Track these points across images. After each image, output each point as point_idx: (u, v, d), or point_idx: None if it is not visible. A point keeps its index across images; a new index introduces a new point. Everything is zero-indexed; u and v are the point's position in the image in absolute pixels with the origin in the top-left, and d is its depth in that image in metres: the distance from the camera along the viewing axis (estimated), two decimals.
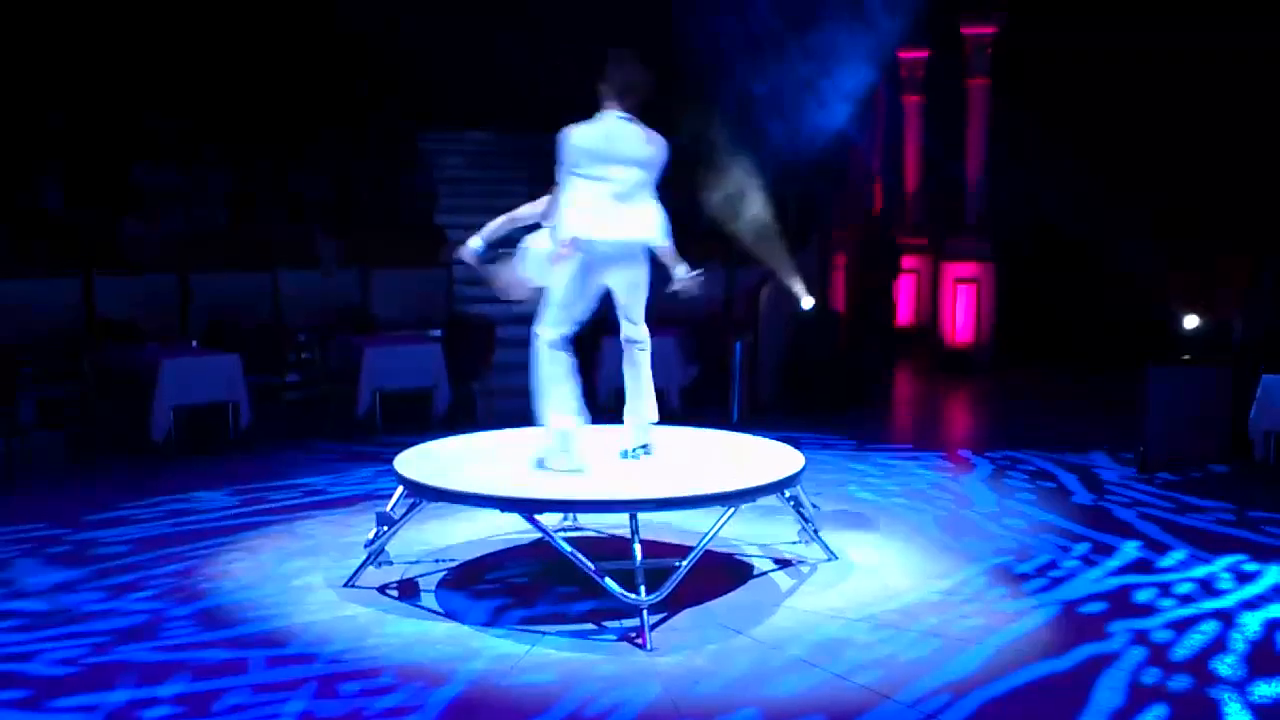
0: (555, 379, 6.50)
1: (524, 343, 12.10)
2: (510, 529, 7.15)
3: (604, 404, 10.95)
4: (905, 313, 15.82)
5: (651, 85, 6.39)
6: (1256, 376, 9.18)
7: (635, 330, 6.68)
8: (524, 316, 12.00)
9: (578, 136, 6.27)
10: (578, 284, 6.43)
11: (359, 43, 14.43)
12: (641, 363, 6.74)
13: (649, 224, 6.40)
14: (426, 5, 14.71)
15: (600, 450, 6.86)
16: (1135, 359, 9.93)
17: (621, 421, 6.95)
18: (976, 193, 14.81)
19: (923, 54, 15.49)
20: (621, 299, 6.61)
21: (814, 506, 7.10)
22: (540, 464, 6.53)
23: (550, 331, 6.50)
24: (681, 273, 6.60)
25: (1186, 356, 10.16)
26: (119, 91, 13.30)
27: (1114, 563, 7.00)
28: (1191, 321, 10.75)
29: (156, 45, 13.50)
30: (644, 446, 6.77)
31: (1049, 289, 14.40)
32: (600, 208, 6.28)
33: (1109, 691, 5.21)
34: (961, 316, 14.75)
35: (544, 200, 6.72)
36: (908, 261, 15.68)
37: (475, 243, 6.92)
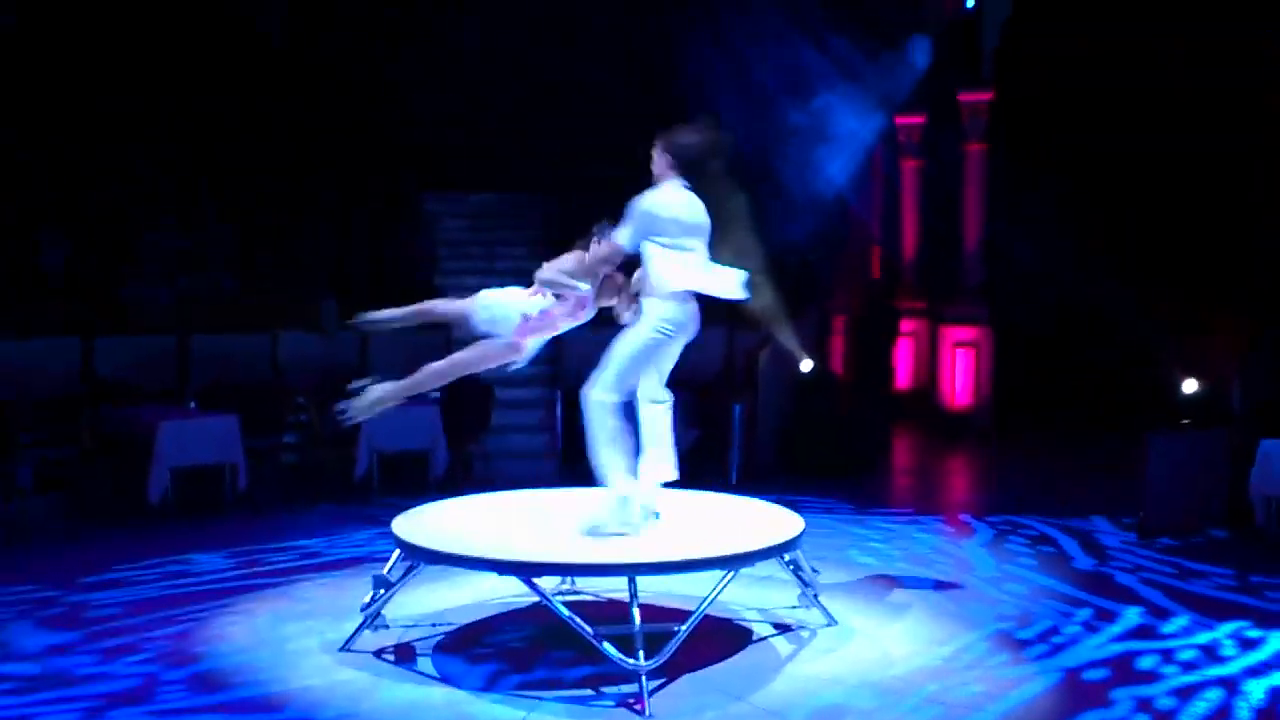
0: (615, 442, 6.45)
1: (521, 405, 12.16)
2: (507, 592, 7.10)
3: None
4: (904, 376, 15.83)
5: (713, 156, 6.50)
6: (1256, 441, 9.17)
7: (661, 391, 6.66)
8: (521, 379, 12.01)
9: (664, 207, 6.33)
10: (657, 351, 6.46)
11: (362, 104, 14.57)
12: (665, 420, 6.70)
13: (735, 282, 6.46)
14: (430, 68, 14.87)
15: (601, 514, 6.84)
16: (1134, 423, 9.92)
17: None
18: (974, 256, 14.88)
19: (920, 119, 15.63)
20: (667, 363, 6.61)
21: (814, 571, 7.06)
22: (594, 530, 6.42)
23: (613, 396, 6.43)
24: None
25: (1186, 421, 10.15)
26: (121, 154, 13.39)
27: (1116, 629, 6.95)
28: (1190, 386, 10.75)
29: (160, 108, 13.62)
30: (647, 514, 6.63)
31: (1047, 353, 14.41)
32: (700, 270, 6.39)
33: None
34: (960, 380, 14.76)
35: (576, 255, 6.62)
36: (906, 325, 15.72)
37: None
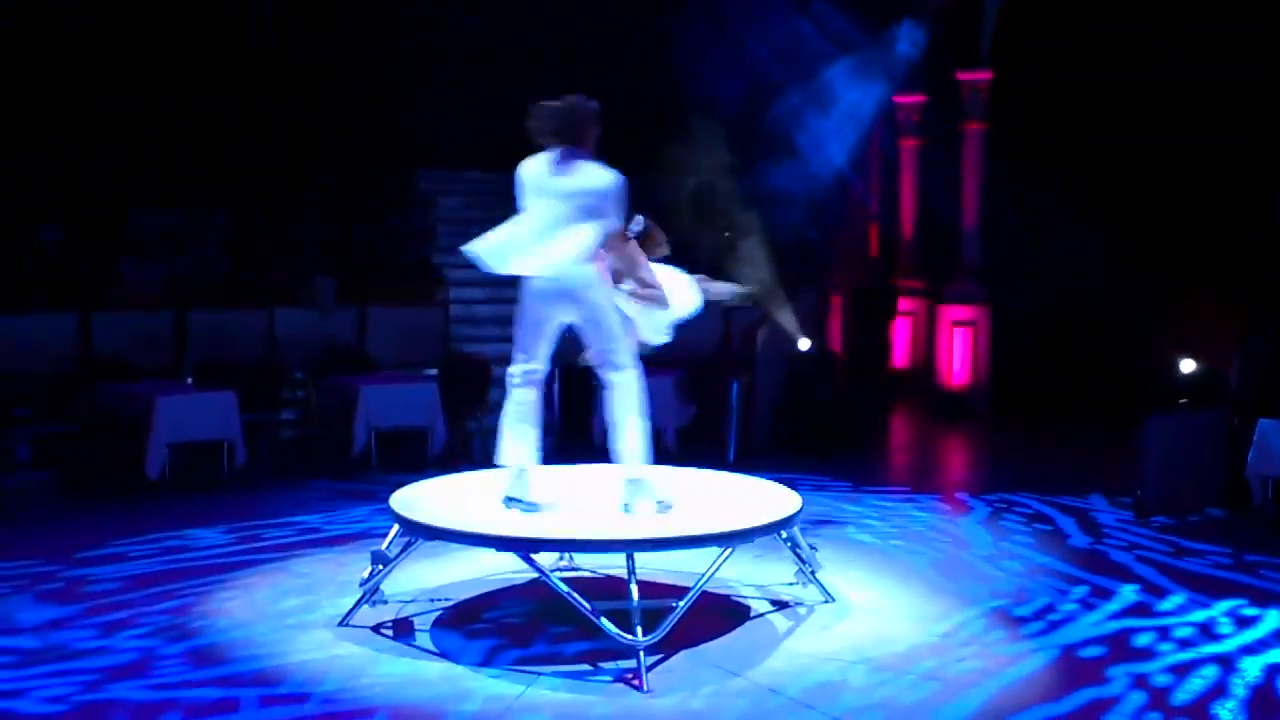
0: (515, 418, 6.47)
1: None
2: (506, 568, 7.10)
3: (599, 444, 10.95)
4: (902, 355, 15.83)
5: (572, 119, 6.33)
6: (1253, 422, 9.18)
7: (607, 373, 6.47)
8: None
9: (522, 168, 6.32)
10: (528, 321, 6.40)
11: (357, 83, 14.52)
12: (611, 403, 6.48)
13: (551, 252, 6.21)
14: (425, 44, 14.82)
15: (596, 490, 6.85)
16: (1132, 403, 9.93)
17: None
18: (973, 236, 14.86)
19: (919, 99, 15.59)
20: (588, 338, 6.48)
21: (811, 548, 7.07)
22: (510, 501, 6.45)
23: (514, 368, 6.50)
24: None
25: (1183, 401, 10.16)
26: (119, 134, 13.35)
27: (1112, 606, 6.97)
28: (1188, 366, 10.75)
29: (158, 91, 13.58)
30: (660, 503, 6.46)
31: (1046, 332, 14.41)
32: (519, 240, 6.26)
33: None
34: (958, 359, 14.75)
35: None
36: (904, 304, 15.71)
37: None
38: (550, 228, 6.18)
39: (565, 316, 6.40)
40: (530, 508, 6.38)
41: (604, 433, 10.97)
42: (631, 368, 6.41)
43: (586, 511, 6.48)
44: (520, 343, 6.46)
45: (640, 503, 6.37)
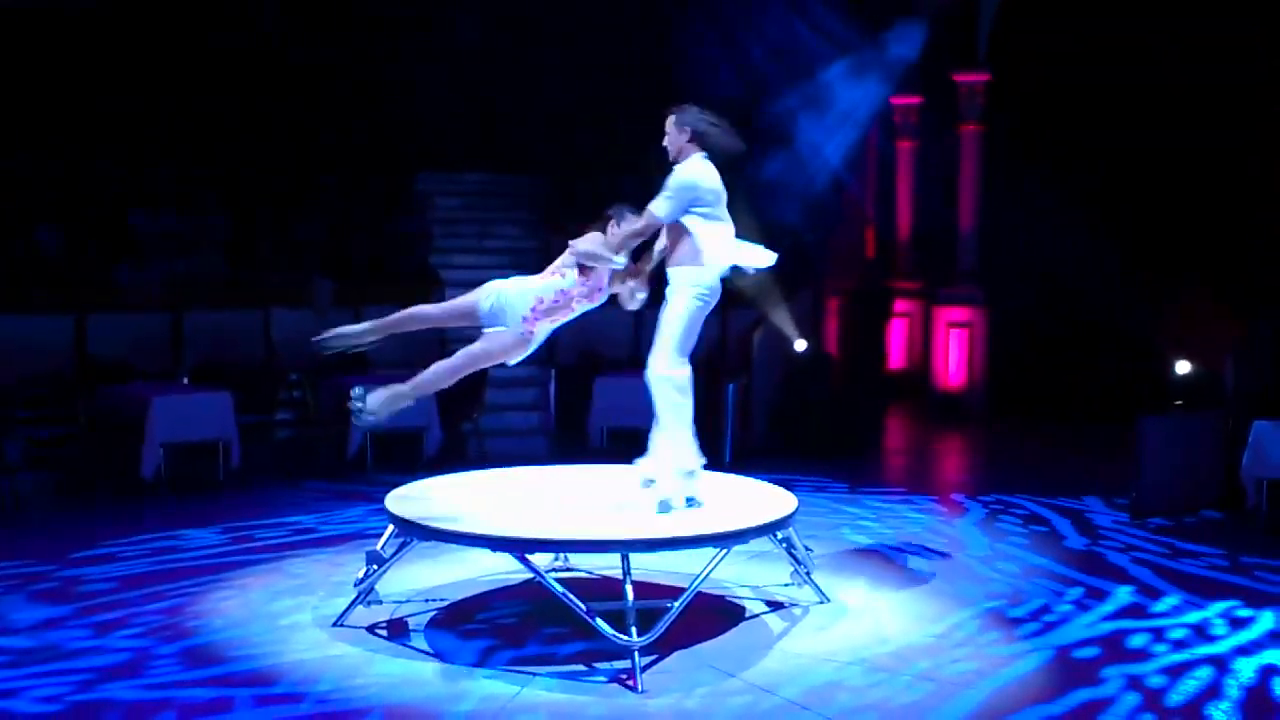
0: (683, 416, 6.57)
1: (515, 383, 12.14)
2: (500, 569, 7.11)
3: (595, 445, 10.95)
4: (898, 357, 15.84)
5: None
6: (1248, 423, 9.18)
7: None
8: None
9: (704, 178, 6.44)
10: (701, 318, 6.60)
11: (355, 85, 14.51)
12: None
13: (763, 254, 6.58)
14: (424, 47, 14.82)
15: (595, 490, 6.86)
16: (1128, 405, 9.93)
17: (617, 461, 6.93)
18: (969, 238, 14.87)
19: (915, 100, 15.60)
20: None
21: (806, 549, 7.07)
22: (665, 506, 6.42)
23: (680, 369, 6.58)
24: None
25: (1179, 403, 10.17)
26: (117, 137, 13.35)
27: (1107, 607, 6.97)
28: (1183, 368, 10.76)
29: (155, 91, 13.57)
30: (689, 500, 6.57)
31: (1041, 334, 14.42)
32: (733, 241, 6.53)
33: None
34: (954, 361, 14.76)
35: (599, 234, 6.58)
36: (900, 306, 15.72)
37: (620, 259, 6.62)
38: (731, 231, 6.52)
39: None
40: (698, 505, 6.50)
41: (600, 433, 11.04)
42: (686, 366, 6.58)
43: (582, 511, 6.48)
44: (684, 344, 6.55)
45: (676, 496, 6.48)
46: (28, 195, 12.63)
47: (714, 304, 6.61)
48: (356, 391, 6.52)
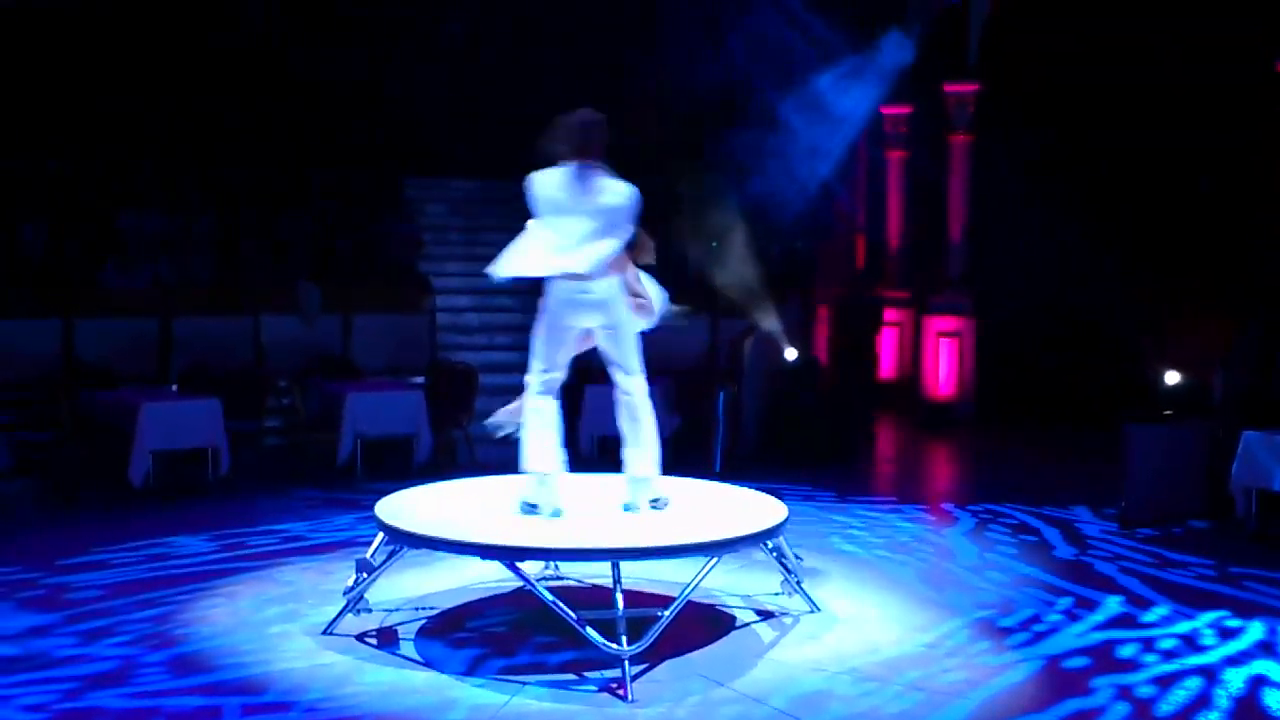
0: (536, 425, 6.55)
1: (504, 390, 12.11)
2: (491, 577, 7.09)
3: (586, 454, 10.94)
4: (887, 366, 15.86)
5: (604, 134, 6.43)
6: (1237, 433, 9.20)
7: (624, 380, 6.65)
8: (504, 365, 12.02)
9: (541, 181, 6.37)
10: (551, 330, 6.50)
11: (344, 91, 14.51)
12: (624, 411, 6.69)
13: (581, 258, 6.31)
14: (412, 54, 14.82)
15: (585, 499, 6.84)
16: (1116, 414, 9.95)
17: (607, 470, 6.93)
18: (959, 247, 14.91)
19: (905, 110, 15.64)
20: (601, 345, 6.63)
21: (796, 558, 7.06)
22: (528, 508, 6.51)
23: (533, 376, 6.57)
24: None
25: (1168, 412, 10.19)
26: (106, 139, 13.32)
27: (1097, 617, 6.97)
28: (1172, 378, 10.78)
29: (144, 94, 13.56)
30: (655, 500, 6.68)
31: (1031, 343, 14.45)
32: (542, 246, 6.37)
33: None
34: (944, 370, 14.79)
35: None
36: (890, 315, 15.74)
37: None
38: (574, 239, 6.29)
39: (587, 324, 6.53)
40: (555, 513, 6.46)
41: (590, 442, 11.03)
42: (643, 376, 6.59)
43: (573, 520, 6.47)
44: (541, 352, 6.55)
45: (643, 501, 6.55)
46: (13, 196, 12.60)
47: (558, 309, 6.48)
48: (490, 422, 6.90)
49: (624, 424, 6.70)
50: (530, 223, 6.45)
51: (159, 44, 13.62)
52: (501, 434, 6.98)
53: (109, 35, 13.46)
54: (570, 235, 6.29)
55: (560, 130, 6.37)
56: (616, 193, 6.32)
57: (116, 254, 12.55)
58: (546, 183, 6.37)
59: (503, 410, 6.98)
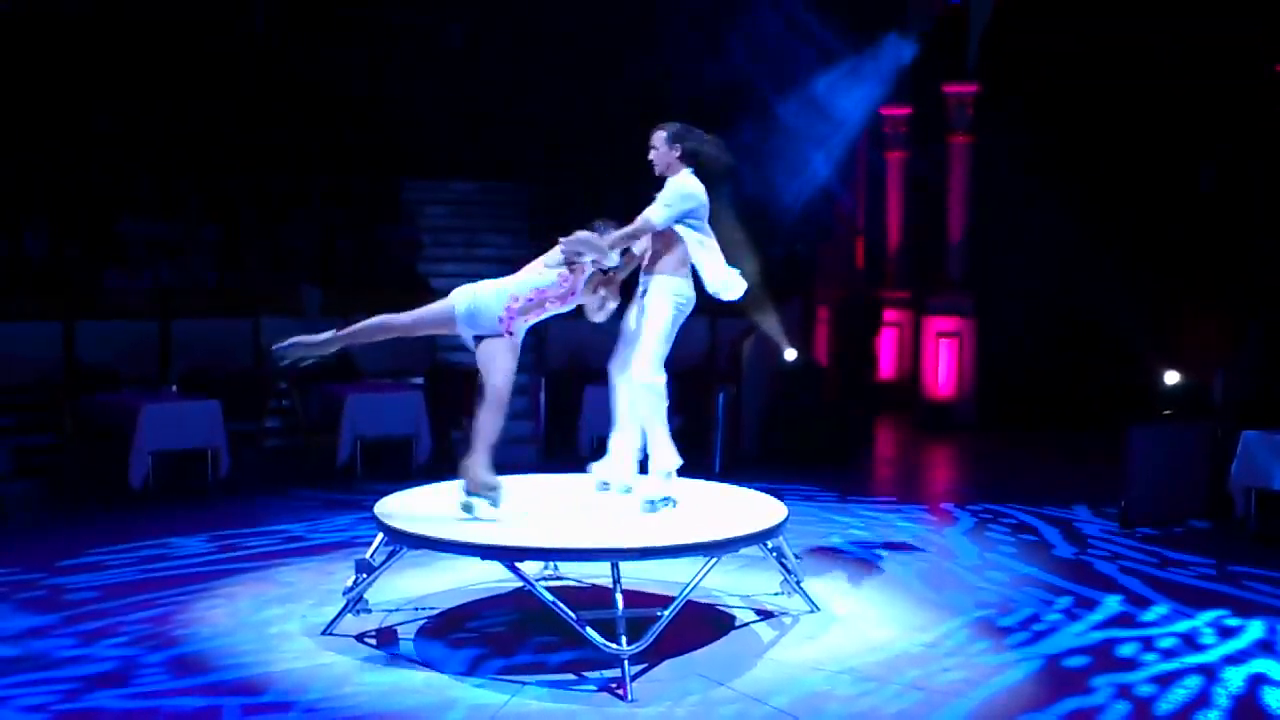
0: (665, 420, 6.70)
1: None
2: (490, 577, 7.09)
3: (585, 453, 10.94)
4: (887, 367, 15.86)
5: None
6: (1237, 434, 9.20)
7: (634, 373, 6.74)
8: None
9: (701, 193, 6.58)
10: (678, 325, 6.71)
11: (343, 93, 14.52)
12: (637, 406, 6.77)
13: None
14: (410, 55, 14.83)
15: (584, 497, 6.85)
16: (1116, 415, 9.95)
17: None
18: (958, 248, 14.91)
19: (905, 111, 15.65)
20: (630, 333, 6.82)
21: (796, 558, 7.06)
22: (652, 505, 6.53)
23: (661, 375, 6.65)
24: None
25: (1168, 413, 10.19)
26: (106, 144, 13.33)
27: (1097, 616, 6.97)
28: (1172, 378, 10.79)
29: (144, 99, 13.57)
30: (666, 500, 6.66)
31: (1031, 344, 14.45)
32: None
33: None
34: (943, 371, 14.79)
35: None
36: (890, 315, 15.75)
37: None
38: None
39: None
40: (672, 503, 6.57)
41: (590, 441, 11.03)
42: (662, 374, 6.64)
43: (572, 520, 6.47)
44: (666, 347, 6.63)
45: (660, 498, 6.58)
46: (15, 200, 12.61)
47: (689, 312, 6.74)
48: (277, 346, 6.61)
49: (637, 421, 6.79)
50: (700, 230, 6.57)
51: (158, 48, 13.62)
52: (286, 362, 6.66)
53: (109, 39, 13.47)
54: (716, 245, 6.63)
55: (701, 138, 6.63)
56: None
57: (117, 259, 12.54)
58: (703, 190, 6.61)
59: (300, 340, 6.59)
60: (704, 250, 6.60)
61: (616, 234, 6.53)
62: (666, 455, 6.68)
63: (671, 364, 6.74)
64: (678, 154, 6.60)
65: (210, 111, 13.93)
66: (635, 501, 6.63)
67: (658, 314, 6.60)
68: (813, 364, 13.01)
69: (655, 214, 6.51)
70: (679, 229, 6.56)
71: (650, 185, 6.69)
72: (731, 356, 12.71)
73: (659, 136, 6.63)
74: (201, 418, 9.98)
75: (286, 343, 6.56)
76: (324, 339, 6.57)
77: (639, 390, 6.64)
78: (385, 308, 13.40)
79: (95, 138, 13.32)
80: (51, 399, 10.55)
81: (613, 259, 6.53)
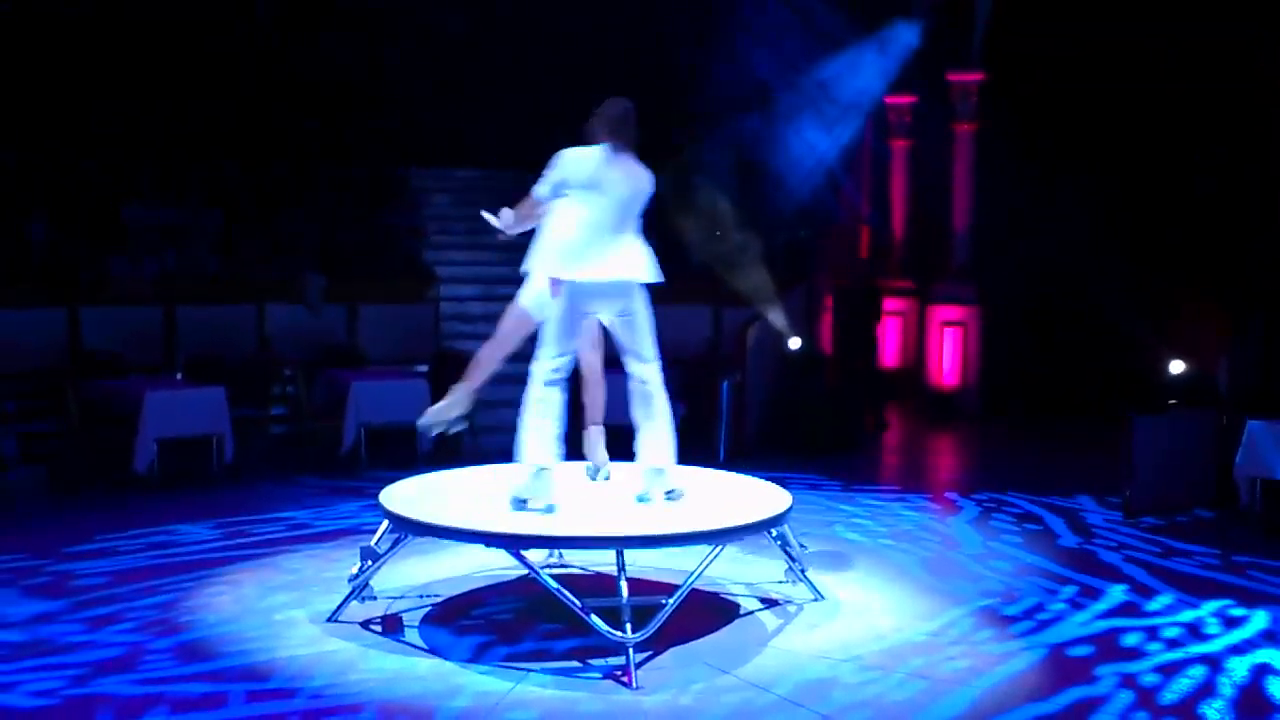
0: (540, 415, 6.44)
1: (510, 379, 12.10)
2: (495, 565, 7.10)
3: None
4: (891, 355, 15.84)
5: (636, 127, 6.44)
6: (1241, 422, 9.20)
7: (639, 368, 6.56)
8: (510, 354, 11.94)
9: (574, 159, 6.31)
10: (568, 319, 6.39)
11: (346, 80, 14.49)
12: (638, 399, 6.58)
13: (640, 263, 6.39)
14: (414, 43, 14.80)
15: (586, 488, 6.86)
16: (1121, 403, 9.95)
17: (613, 458, 6.94)
18: (963, 236, 14.88)
19: (909, 99, 15.61)
20: (617, 333, 6.56)
21: (801, 546, 7.07)
22: (518, 503, 6.38)
23: (544, 366, 6.44)
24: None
25: (1172, 401, 10.18)
26: (110, 132, 13.32)
27: (1101, 606, 6.98)
28: (1177, 367, 10.78)
29: (146, 86, 13.55)
30: (670, 492, 6.55)
31: (1035, 333, 14.44)
32: (589, 242, 6.28)
33: None
34: (948, 359, 14.78)
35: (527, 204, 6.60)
36: (894, 304, 15.72)
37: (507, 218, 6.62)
38: (616, 231, 6.29)
39: (605, 314, 6.50)
40: (548, 509, 6.29)
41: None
42: (659, 364, 6.52)
43: (577, 507, 6.47)
44: (556, 340, 6.39)
45: (658, 493, 6.48)
46: (19, 188, 12.61)
47: (581, 298, 6.40)
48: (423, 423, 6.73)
49: (638, 413, 6.57)
50: (560, 202, 6.37)
51: (161, 37, 13.60)
52: (433, 434, 6.86)
53: (112, 29, 13.45)
54: (611, 226, 6.26)
55: (598, 117, 6.39)
56: (648, 179, 6.39)
57: (121, 246, 12.55)
58: (581, 159, 6.31)
59: (431, 410, 6.77)
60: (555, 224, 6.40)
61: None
62: (669, 449, 6.59)
63: (675, 352, 6.71)
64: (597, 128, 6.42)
65: (213, 99, 13.91)
66: (659, 494, 6.52)
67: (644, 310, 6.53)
68: (817, 352, 13.01)
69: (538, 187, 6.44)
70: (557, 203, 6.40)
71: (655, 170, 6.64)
72: (736, 345, 12.70)
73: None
74: (206, 404, 9.99)
75: (426, 422, 6.68)
76: (456, 400, 6.64)
77: (659, 386, 6.53)
78: (388, 295, 13.43)
79: (98, 125, 13.31)
80: (56, 386, 10.56)
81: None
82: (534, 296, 6.59)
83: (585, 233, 6.27)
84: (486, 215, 6.60)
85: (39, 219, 12.38)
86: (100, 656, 5.91)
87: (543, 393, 6.44)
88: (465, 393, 6.71)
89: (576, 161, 6.29)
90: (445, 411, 6.69)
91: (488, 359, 6.76)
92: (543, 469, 6.38)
